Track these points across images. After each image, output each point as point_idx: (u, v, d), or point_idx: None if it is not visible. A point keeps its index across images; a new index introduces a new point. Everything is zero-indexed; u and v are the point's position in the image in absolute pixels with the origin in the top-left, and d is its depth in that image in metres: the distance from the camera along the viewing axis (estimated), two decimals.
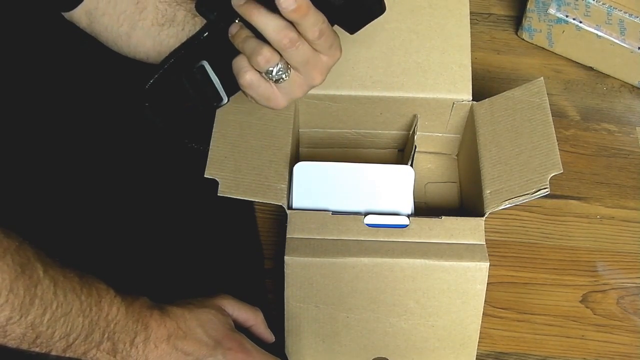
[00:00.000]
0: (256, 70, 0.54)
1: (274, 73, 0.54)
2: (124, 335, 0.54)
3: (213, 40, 0.59)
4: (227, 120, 0.67)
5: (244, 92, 0.56)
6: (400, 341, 0.66)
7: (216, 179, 0.64)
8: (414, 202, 0.69)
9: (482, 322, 0.65)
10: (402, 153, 0.80)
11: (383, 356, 0.67)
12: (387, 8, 0.54)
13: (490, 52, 0.91)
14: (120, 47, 0.63)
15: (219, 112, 0.67)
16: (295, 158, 0.75)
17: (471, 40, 0.73)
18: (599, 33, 0.84)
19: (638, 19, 0.81)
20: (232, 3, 0.53)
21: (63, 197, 0.70)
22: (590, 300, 0.73)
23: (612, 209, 0.79)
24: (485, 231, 0.64)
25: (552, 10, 0.85)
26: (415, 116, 0.73)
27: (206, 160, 0.65)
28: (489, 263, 0.62)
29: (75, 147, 0.73)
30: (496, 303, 0.73)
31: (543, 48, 0.90)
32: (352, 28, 0.55)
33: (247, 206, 0.76)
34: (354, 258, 0.62)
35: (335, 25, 0.54)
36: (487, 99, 0.71)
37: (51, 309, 0.48)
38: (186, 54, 0.61)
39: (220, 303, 0.62)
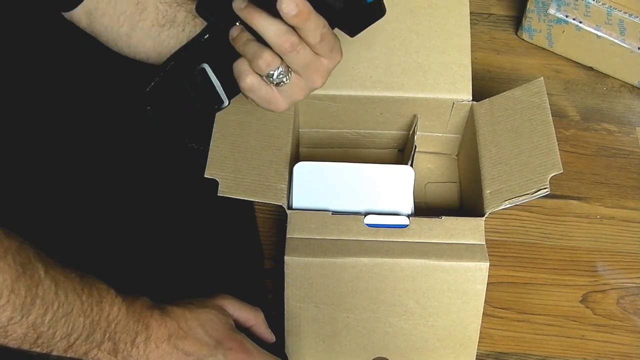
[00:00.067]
0: (257, 73, 0.54)
1: (274, 77, 0.54)
2: (124, 335, 0.54)
3: (214, 42, 0.59)
4: (227, 120, 0.67)
5: (245, 95, 0.56)
6: (400, 341, 0.66)
7: (216, 179, 0.64)
8: (414, 202, 0.69)
9: (482, 322, 0.65)
10: (402, 153, 0.80)
11: (383, 356, 0.67)
12: (387, 7, 0.54)
13: (490, 52, 0.91)
14: (120, 47, 0.63)
15: (219, 112, 0.67)
16: (295, 158, 0.75)
17: (471, 40, 0.73)
18: (599, 33, 0.84)
19: (638, 19, 0.81)
20: (233, 6, 0.52)
21: (63, 197, 0.70)
22: (590, 300, 0.73)
23: (612, 209, 0.79)
24: (485, 231, 0.64)
25: (552, 10, 0.85)
26: (415, 116, 0.73)
27: (206, 160, 0.65)
28: (489, 263, 0.62)
29: (75, 147, 0.73)
30: (496, 303, 0.73)
31: (543, 48, 0.90)
32: (353, 31, 0.55)
33: (247, 206, 0.76)
34: (354, 258, 0.62)
35: (336, 29, 0.54)
36: (487, 99, 0.71)
37: (52, 309, 0.48)
38: (187, 56, 0.61)
39: (221, 303, 0.62)
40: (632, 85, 0.88)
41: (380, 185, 0.69)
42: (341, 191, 0.68)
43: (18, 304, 0.46)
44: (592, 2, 0.82)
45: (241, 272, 0.73)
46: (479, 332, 0.65)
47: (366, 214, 0.65)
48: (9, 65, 0.69)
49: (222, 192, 0.63)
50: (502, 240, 0.77)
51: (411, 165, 0.70)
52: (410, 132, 0.75)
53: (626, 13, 0.81)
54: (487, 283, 0.63)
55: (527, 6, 0.87)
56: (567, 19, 0.85)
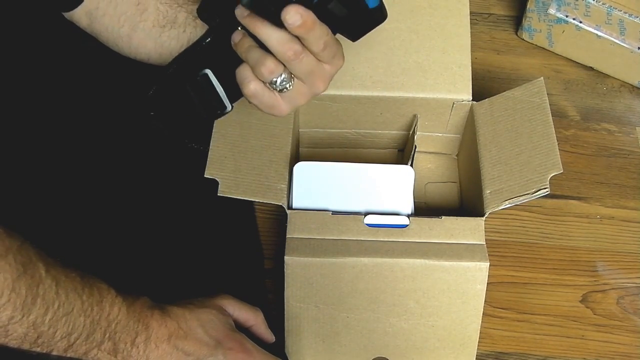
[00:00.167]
0: (260, 80, 0.54)
1: (277, 83, 0.54)
2: (125, 335, 0.54)
3: (216, 46, 0.59)
4: (227, 120, 0.67)
5: (248, 100, 0.56)
6: (400, 341, 0.66)
7: (216, 179, 0.64)
8: (414, 202, 0.69)
9: (482, 322, 0.65)
10: (402, 153, 0.80)
11: (383, 356, 0.67)
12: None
13: (490, 52, 0.91)
14: (121, 47, 0.63)
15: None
16: (295, 158, 0.75)
17: (471, 40, 0.73)
18: (599, 33, 0.84)
19: (638, 19, 0.81)
20: (236, 14, 0.52)
21: (63, 197, 0.70)
22: (590, 300, 0.73)
23: (612, 209, 0.79)
24: (485, 231, 0.64)
25: (552, 10, 0.85)
26: (415, 116, 0.73)
27: (206, 160, 0.65)
28: (489, 263, 0.62)
29: (75, 147, 0.73)
30: (496, 303, 0.73)
31: (543, 48, 0.90)
32: (355, 36, 0.55)
33: (247, 206, 0.76)
34: (354, 258, 0.62)
35: (337, 34, 0.54)
36: (487, 99, 0.71)
37: (53, 309, 0.48)
38: (189, 60, 0.61)
39: (221, 303, 0.62)
40: (632, 85, 0.88)
41: (380, 185, 0.69)
42: (341, 191, 0.68)
43: (19, 303, 0.46)
44: (592, 2, 0.82)
45: (241, 272, 0.73)
46: (479, 332, 0.65)
47: (366, 214, 0.65)
48: (9, 65, 0.69)
49: (222, 192, 0.63)
50: (502, 240, 0.77)
51: (411, 165, 0.70)
52: (410, 132, 0.75)
53: (626, 13, 0.81)
54: (487, 283, 0.63)
55: (527, 6, 0.87)
56: (567, 18, 0.85)
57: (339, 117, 0.75)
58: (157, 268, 0.69)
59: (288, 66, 0.53)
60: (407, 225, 0.64)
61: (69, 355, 0.51)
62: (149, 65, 0.64)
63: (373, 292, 0.64)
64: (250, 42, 0.53)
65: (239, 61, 0.54)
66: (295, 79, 0.54)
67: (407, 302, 0.64)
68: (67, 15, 0.62)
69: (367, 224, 0.64)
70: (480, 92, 0.72)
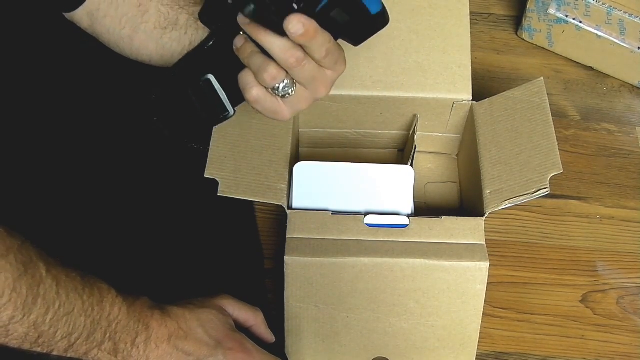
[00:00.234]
0: (262, 85, 0.54)
1: (280, 89, 0.54)
2: (125, 335, 0.54)
3: (218, 50, 0.59)
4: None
5: (250, 105, 0.56)
6: (400, 341, 0.66)
7: (216, 179, 0.64)
8: (414, 202, 0.69)
9: (482, 322, 0.65)
10: (402, 153, 0.80)
11: (383, 356, 0.67)
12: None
13: (490, 52, 0.91)
14: (122, 49, 0.63)
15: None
16: (295, 158, 0.75)
17: (471, 40, 0.73)
18: (599, 33, 0.84)
19: (638, 19, 0.81)
20: (238, 20, 0.52)
21: (63, 197, 0.70)
22: (590, 300, 0.74)
23: (612, 209, 0.79)
24: (485, 231, 0.64)
25: (552, 10, 0.85)
26: (415, 116, 0.73)
27: (206, 160, 0.65)
28: (489, 263, 0.62)
29: (75, 147, 0.73)
30: (496, 303, 0.73)
31: (543, 48, 0.90)
32: (357, 41, 0.55)
33: (247, 206, 0.76)
34: (354, 258, 0.62)
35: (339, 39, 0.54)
36: (487, 99, 0.71)
37: (54, 309, 0.48)
38: (191, 65, 0.61)
39: (221, 303, 0.62)
40: (632, 85, 0.88)
41: (380, 185, 0.69)
42: (341, 191, 0.68)
43: (20, 303, 0.46)
44: (592, 2, 0.82)
45: (241, 272, 0.73)
46: (479, 332, 0.65)
47: (366, 214, 0.65)
48: (9, 65, 0.69)
49: (222, 192, 0.63)
50: (502, 240, 0.77)
51: (411, 165, 0.70)
52: (410, 132, 0.75)
53: (626, 13, 0.81)
54: (487, 283, 0.63)
55: (527, 6, 0.87)
56: (567, 18, 0.85)
57: (339, 117, 0.75)
58: (157, 268, 0.69)
59: (290, 73, 0.53)
60: (407, 225, 0.64)
61: (69, 355, 0.51)
62: (150, 66, 0.64)
63: (373, 292, 0.64)
64: (252, 48, 0.53)
65: (241, 66, 0.54)
66: (297, 85, 0.54)
67: (407, 302, 0.64)
68: (68, 15, 0.62)
69: (367, 224, 0.64)
70: (480, 92, 0.72)
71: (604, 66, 0.88)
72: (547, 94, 0.69)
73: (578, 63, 0.89)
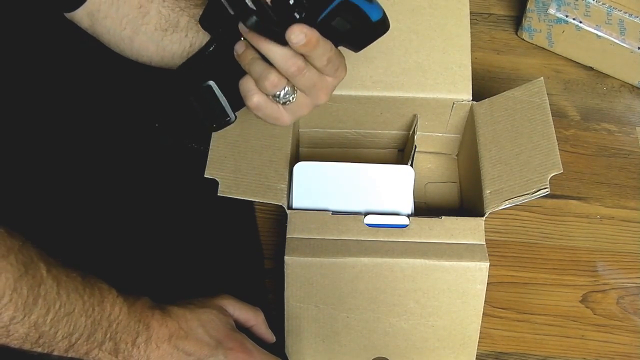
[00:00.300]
0: (263, 92, 0.54)
1: (281, 96, 0.54)
2: (125, 336, 0.54)
3: (219, 56, 0.59)
4: None
5: (251, 111, 0.57)
6: (400, 341, 0.66)
7: (216, 179, 0.64)
8: (414, 202, 0.69)
9: (482, 322, 0.65)
10: (402, 153, 0.80)
11: (383, 356, 0.67)
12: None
13: (490, 52, 0.91)
14: (122, 50, 0.63)
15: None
16: (295, 158, 0.75)
17: (471, 40, 0.73)
18: (599, 33, 0.84)
19: (638, 19, 0.81)
20: (239, 28, 0.52)
21: (64, 197, 0.70)
22: (590, 300, 0.74)
23: (612, 209, 0.79)
24: (485, 231, 0.64)
25: (552, 10, 0.85)
26: (415, 116, 0.73)
27: (206, 160, 0.65)
28: (489, 263, 0.62)
29: (76, 147, 0.73)
30: (496, 303, 0.73)
31: (543, 48, 0.90)
32: (358, 48, 0.56)
33: (247, 206, 0.76)
34: (354, 258, 0.62)
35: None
36: (487, 99, 0.71)
37: (54, 309, 0.48)
38: (192, 71, 0.60)
39: (221, 303, 0.62)
40: (632, 85, 0.88)
41: (380, 185, 0.69)
42: (341, 191, 0.68)
43: (20, 304, 0.47)
44: (592, 2, 0.82)
45: (241, 272, 0.73)
46: (479, 332, 0.65)
47: (366, 214, 0.65)
48: (10, 65, 0.69)
49: (222, 192, 0.63)
50: (502, 240, 0.77)
51: (411, 165, 0.70)
52: (410, 132, 0.75)
53: (626, 13, 0.81)
54: (487, 283, 0.63)
55: (527, 6, 0.87)
56: (567, 18, 0.85)
57: (339, 117, 0.75)
58: (157, 268, 0.69)
59: (291, 80, 0.53)
60: (407, 225, 0.64)
61: (70, 355, 0.51)
62: (150, 66, 0.64)
63: (373, 292, 0.64)
64: (253, 54, 0.53)
65: (242, 72, 0.54)
66: (298, 91, 0.54)
67: (407, 302, 0.64)
68: (68, 15, 0.62)
69: (367, 224, 0.64)
70: (480, 92, 0.72)
71: (604, 66, 0.88)
72: (547, 94, 0.69)
73: (578, 63, 0.89)
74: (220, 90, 0.57)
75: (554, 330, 0.72)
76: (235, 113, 0.59)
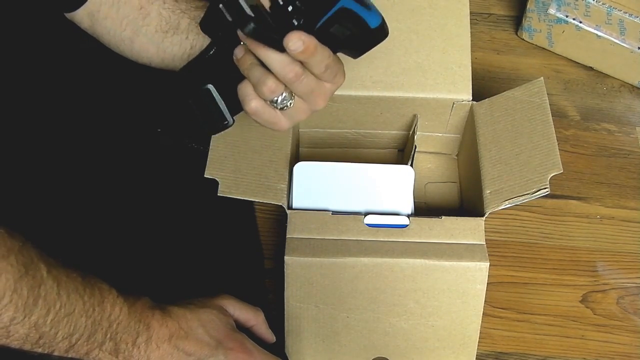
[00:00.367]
0: (261, 98, 0.54)
1: (278, 102, 0.54)
2: (126, 336, 0.54)
3: (218, 60, 0.59)
4: None
5: (249, 116, 0.57)
6: (400, 341, 0.66)
7: (216, 179, 0.64)
8: (414, 202, 0.69)
9: (482, 322, 0.65)
10: (402, 153, 0.80)
11: (383, 356, 0.67)
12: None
13: (490, 52, 0.91)
14: (122, 51, 0.62)
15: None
16: (295, 158, 0.75)
17: (471, 40, 0.73)
18: (599, 33, 0.84)
19: (638, 19, 0.81)
20: (238, 34, 0.52)
21: (64, 198, 0.70)
22: (590, 300, 0.74)
23: (612, 209, 0.79)
24: (485, 231, 0.64)
25: (552, 10, 0.85)
26: (415, 116, 0.73)
27: (206, 160, 0.65)
28: (489, 263, 0.62)
29: (76, 147, 0.73)
30: (496, 303, 0.73)
31: (543, 48, 0.90)
32: (357, 54, 0.55)
33: (247, 206, 0.76)
34: (354, 258, 0.62)
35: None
36: (487, 99, 0.71)
37: (54, 309, 0.48)
38: (192, 74, 0.60)
39: (222, 303, 0.62)
40: (632, 85, 0.88)
41: (380, 185, 0.69)
42: (341, 191, 0.68)
43: (20, 304, 0.47)
44: (592, 2, 0.82)
45: (241, 272, 0.73)
46: (479, 332, 0.65)
47: (366, 214, 0.65)
48: (10, 64, 0.69)
49: (222, 192, 0.63)
50: (502, 240, 0.77)
51: (411, 165, 0.70)
52: (410, 132, 0.75)
53: (626, 13, 0.81)
54: (487, 283, 0.63)
55: (527, 6, 0.87)
56: (567, 18, 0.85)
57: (339, 117, 0.75)
58: (158, 268, 0.69)
59: (289, 86, 0.53)
60: (407, 225, 0.64)
61: (70, 355, 0.51)
62: (151, 67, 0.64)
63: (373, 292, 0.64)
64: (252, 59, 0.53)
65: (241, 76, 0.54)
66: (295, 97, 0.54)
67: (407, 302, 0.64)
68: (68, 16, 0.62)
69: (367, 224, 0.64)
70: (480, 92, 0.72)
71: (604, 66, 0.88)
72: (547, 94, 0.69)
73: (578, 63, 0.89)
74: (219, 94, 0.57)
75: (554, 330, 0.72)
76: (234, 117, 0.59)
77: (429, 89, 0.71)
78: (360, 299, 0.64)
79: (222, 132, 0.64)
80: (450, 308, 0.64)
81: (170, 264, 0.70)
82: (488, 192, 0.65)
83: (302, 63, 0.51)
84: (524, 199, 0.63)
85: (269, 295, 0.71)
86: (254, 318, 0.64)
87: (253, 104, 0.54)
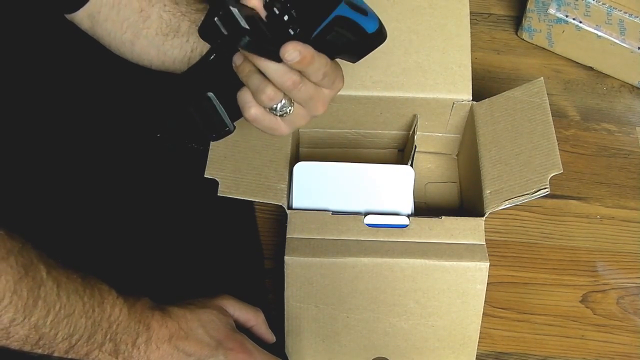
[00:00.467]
0: (260, 105, 0.54)
1: (278, 109, 0.54)
2: (126, 336, 0.54)
3: (218, 67, 0.59)
4: None
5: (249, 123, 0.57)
6: (400, 341, 0.66)
7: (216, 179, 0.64)
8: (414, 202, 0.69)
9: (482, 322, 0.65)
10: (402, 153, 0.80)
11: (383, 356, 0.67)
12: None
13: (490, 52, 0.91)
14: (123, 53, 0.62)
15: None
16: (295, 158, 0.75)
17: (471, 40, 0.73)
18: (599, 33, 0.84)
19: (638, 19, 0.81)
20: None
21: (64, 198, 0.70)
22: (590, 300, 0.74)
23: (612, 209, 0.79)
24: (485, 231, 0.64)
25: (552, 10, 0.85)
26: (415, 116, 0.73)
27: (206, 160, 0.65)
28: (489, 263, 0.62)
29: (75, 148, 0.73)
30: (496, 303, 0.73)
31: (543, 48, 0.90)
32: (355, 59, 0.55)
33: (247, 206, 0.76)
34: (354, 258, 0.62)
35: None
36: (487, 99, 0.71)
37: (54, 310, 0.48)
38: (192, 81, 0.60)
39: (221, 303, 0.62)
40: (632, 85, 0.88)
41: (380, 185, 0.69)
42: (341, 191, 0.68)
43: (20, 306, 0.47)
44: (592, 2, 0.82)
45: (241, 272, 0.73)
46: (479, 332, 0.65)
47: (366, 214, 0.65)
48: (10, 65, 0.69)
49: (222, 192, 0.63)
50: (502, 240, 0.77)
51: (411, 165, 0.70)
52: (410, 132, 0.75)
53: (626, 13, 0.81)
54: (487, 283, 0.63)
55: (527, 6, 0.87)
56: (567, 18, 0.85)
57: (339, 117, 0.75)
58: (158, 268, 0.69)
59: (287, 94, 0.53)
60: (407, 225, 0.64)
61: (70, 356, 0.51)
62: (151, 69, 0.63)
63: (373, 292, 0.64)
64: (250, 67, 0.53)
65: (240, 83, 0.54)
66: (295, 104, 0.54)
67: (407, 302, 0.64)
68: (69, 17, 0.62)
69: (367, 224, 0.64)
70: (480, 92, 0.72)
71: (604, 66, 0.88)
72: (547, 94, 0.69)
73: (578, 63, 0.89)
74: (219, 101, 0.58)
75: (554, 330, 0.72)
76: (234, 123, 0.59)
77: (429, 89, 0.71)
78: (360, 299, 0.64)
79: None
80: (450, 308, 0.64)
81: (170, 264, 0.70)
82: (488, 192, 0.65)
83: (300, 71, 0.51)
84: (524, 199, 0.63)
85: (269, 295, 0.71)
86: (254, 318, 0.64)
87: (252, 111, 0.54)
